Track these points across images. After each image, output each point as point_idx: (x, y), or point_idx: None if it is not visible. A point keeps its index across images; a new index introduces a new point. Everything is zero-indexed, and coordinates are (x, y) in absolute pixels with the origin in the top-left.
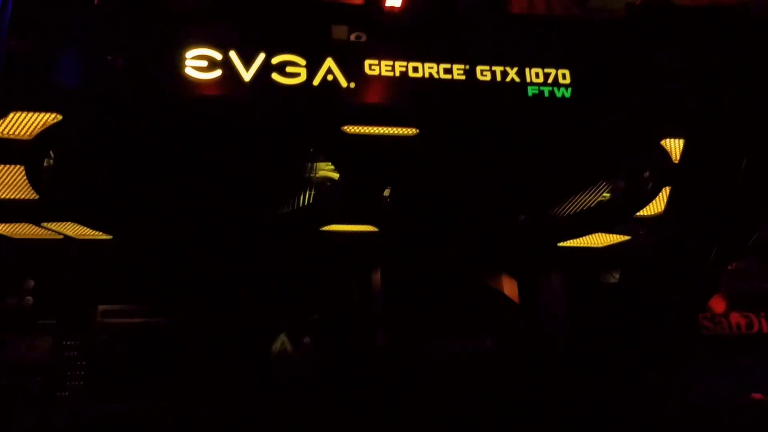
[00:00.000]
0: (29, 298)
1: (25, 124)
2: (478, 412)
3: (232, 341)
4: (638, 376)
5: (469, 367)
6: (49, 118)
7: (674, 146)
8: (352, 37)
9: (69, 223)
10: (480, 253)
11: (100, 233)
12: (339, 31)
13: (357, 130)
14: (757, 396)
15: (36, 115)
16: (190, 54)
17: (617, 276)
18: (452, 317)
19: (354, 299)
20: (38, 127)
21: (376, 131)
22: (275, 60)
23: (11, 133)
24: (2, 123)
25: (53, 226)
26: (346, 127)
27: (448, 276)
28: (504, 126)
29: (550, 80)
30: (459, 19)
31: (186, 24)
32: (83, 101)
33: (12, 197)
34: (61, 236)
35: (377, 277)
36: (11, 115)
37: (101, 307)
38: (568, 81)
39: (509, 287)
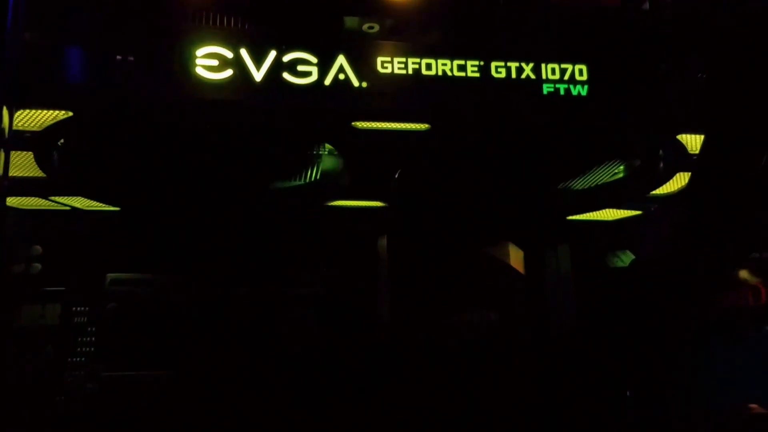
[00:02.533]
0: (37, 264)
1: (36, 118)
2: (481, 387)
3: (238, 310)
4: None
5: (473, 340)
6: (60, 114)
7: (691, 140)
8: (364, 27)
9: (77, 197)
10: (487, 223)
11: (108, 206)
12: (351, 22)
13: (368, 126)
14: (755, 407)
15: (47, 111)
16: (200, 52)
17: (624, 259)
18: (457, 289)
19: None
20: (48, 120)
21: (387, 126)
22: (286, 58)
23: (22, 125)
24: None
25: (61, 199)
26: (356, 123)
27: (454, 246)
28: (518, 125)
29: (566, 77)
30: (475, 10)
31: (197, 20)
32: (94, 99)
33: (20, 175)
34: (68, 208)
35: (383, 247)
36: (23, 111)
37: (110, 276)
38: (585, 78)
39: (515, 258)
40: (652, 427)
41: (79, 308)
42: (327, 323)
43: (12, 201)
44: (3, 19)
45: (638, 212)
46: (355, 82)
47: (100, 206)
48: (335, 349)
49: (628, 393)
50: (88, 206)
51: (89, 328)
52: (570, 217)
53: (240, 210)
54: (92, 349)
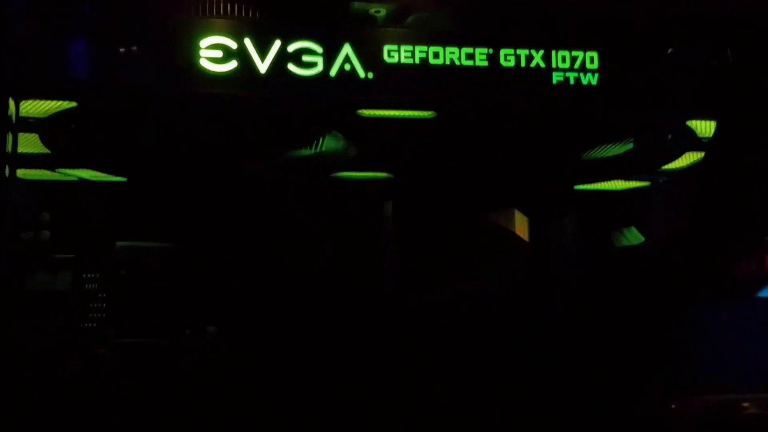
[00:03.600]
0: (46, 232)
1: (41, 107)
2: (484, 353)
3: (245, 277)
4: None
5: (476, 308)
6: (64, 104)
7: (701, 126)
8: (371, 11)
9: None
10: (493, 189)
11: (114, 176)
12: (358, 6)
13: (373, 113)
14: (746, 406)
15: (51, 102)
16: (204, 43)
17: (630, 237)
18: (462, 255)
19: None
20: (53, 108)
21: (393, 114)
22: (291, 48)
23: (27, 112)
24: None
25: (68, 171)
26: (362, 111)
27: (459, 212)
28: (526, 114)
29: (577, 65)
30: None
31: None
32: (97, 92)
33: (26, 152)
34: (75, 179)
35: (388, 213)
36: (27, 102)
37: (119, 244)
38: (595, 66)
39: (520, 225)
40: (652, 397)
41: (89, 275)
42: (331, 290)
43: (19, 173)
44: (6, 13)
45: (646, 183)
46: (361, 73)
47: (107, 177)
48: (339, 317)
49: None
50: (94, 177)
51: (100, 295)
52: (577, 187)
53: (246, 179)
54: (103, 315)
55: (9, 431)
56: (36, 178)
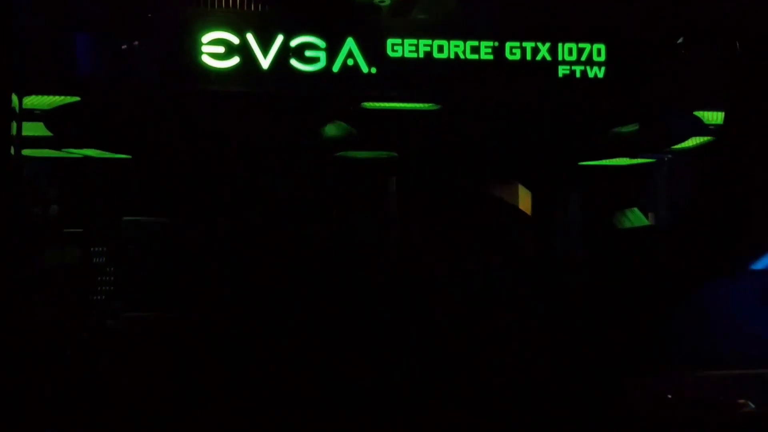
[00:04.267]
0: (54, 206)
1: (44, 101)
2: (487, 327)
3: (251, 253)
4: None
5: (479, 281)
6: (67, 98)
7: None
8: (375, 0)
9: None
10: (496, 163)
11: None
12: None
13: (377, 106)
14: (743, 403)
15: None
16: (206, 38)
17: (632, 218)
18: (465, 230)
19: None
20: (56, 102)
21: (397, 106)
22: (294, 43)
23: (30, 104)
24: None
25: (73, 150)
26: (366, 103)
27: (463, 186)
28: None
29: (584, 57)
30: None
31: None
32: (100, 86)
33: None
34: (81, 156)
35: (392, 187)
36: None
37: (126, 219)
38: (603, 59)
39: (524, 200)
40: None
41: (98, 249)
42: (336, 263)
43: (24, 152)
44: (9, 8)
45: (651, 160)
46: (365, 68)
47: (112, 155)
48: (344, 289)
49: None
50: (100, 154)
51: (108, 268)
52: (582, 163)
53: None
54: (111, 288)
55: (19, 402)
56: (41, 155)
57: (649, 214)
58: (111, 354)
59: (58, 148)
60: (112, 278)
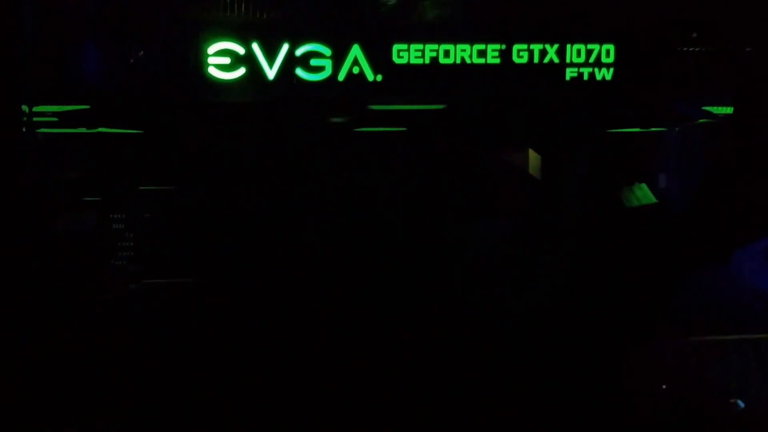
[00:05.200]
0: (72, 173)
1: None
2: (497, 294)
3: (263, 222)
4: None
5: (489, 247)
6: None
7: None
8: None
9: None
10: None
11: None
12: None
13: (383, 107)
14: (733, 403)
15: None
16: (212, 49)
17: (640, 195)
18: (474, 194)
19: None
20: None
21: (403, 107)
22: (299, 51)
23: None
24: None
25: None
26: (372, 105)
27: (472, 149)
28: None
29: (592, 59)
30: None
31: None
32: (108, 96)
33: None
34: (95, 131)
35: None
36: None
37: (141, 188)
38: (611, 59)
39: (534, 164)
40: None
41: (116, 216)
42: (344, 232)
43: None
44: (18, 22)
45: (663, 128)
46: (370, 75)
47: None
48: (353, 259)
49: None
50: (112, 130)
51: (127, 234)
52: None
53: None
54: (132, 253)
55: (42, 363)
56: (55, 131)
57: (661, 177)
58: (132, 317)
59: (71, 127)
60: (132, 244)
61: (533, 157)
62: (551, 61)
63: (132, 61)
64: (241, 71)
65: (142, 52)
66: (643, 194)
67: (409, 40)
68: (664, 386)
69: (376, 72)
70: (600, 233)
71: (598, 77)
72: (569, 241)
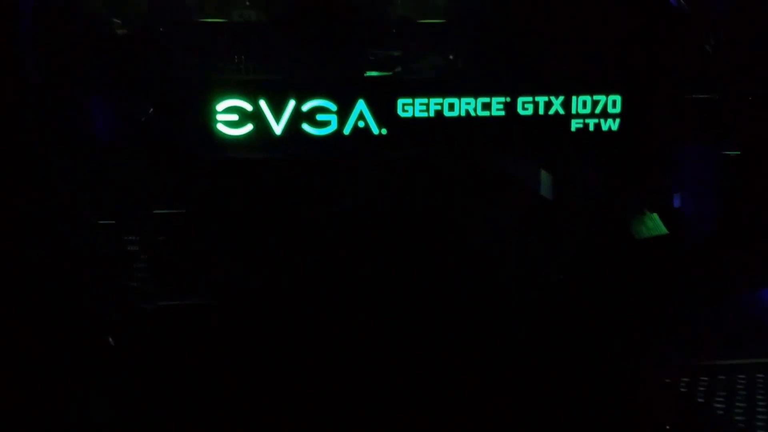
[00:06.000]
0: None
1: None
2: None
3: (279, 238)
4: None
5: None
6: None
7: None
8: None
9: None
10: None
11: None
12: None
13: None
14: None
15: None
16: (220, 107)
17: (651, 225)
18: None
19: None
20: None
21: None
22: (306, 107)
23: None
24: None
25: None
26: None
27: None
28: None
29: (598, 110)
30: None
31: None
32: (111, 152)
33: None
34: None
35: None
36: None
37: (156, 211)
38: (618, 110)
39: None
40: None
41: (130, 238)
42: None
43: None
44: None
45: None
46: (375, 129)
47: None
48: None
49: None
50: None
51: (142, 256)
52: None
53: None
54: (146, 275)
55: (56, 384)
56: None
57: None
58: (148, 337)
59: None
60: (146, 266)
61: (545, 176)
62: (556, 112)
63: (143, 119)
64: (248, 128)
65: (151, 109)
66: (654, 225)
67: (414, 94)
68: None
69: (381, 126)
70: (611, 259)
71: (604, 128)
72: (580, 263)
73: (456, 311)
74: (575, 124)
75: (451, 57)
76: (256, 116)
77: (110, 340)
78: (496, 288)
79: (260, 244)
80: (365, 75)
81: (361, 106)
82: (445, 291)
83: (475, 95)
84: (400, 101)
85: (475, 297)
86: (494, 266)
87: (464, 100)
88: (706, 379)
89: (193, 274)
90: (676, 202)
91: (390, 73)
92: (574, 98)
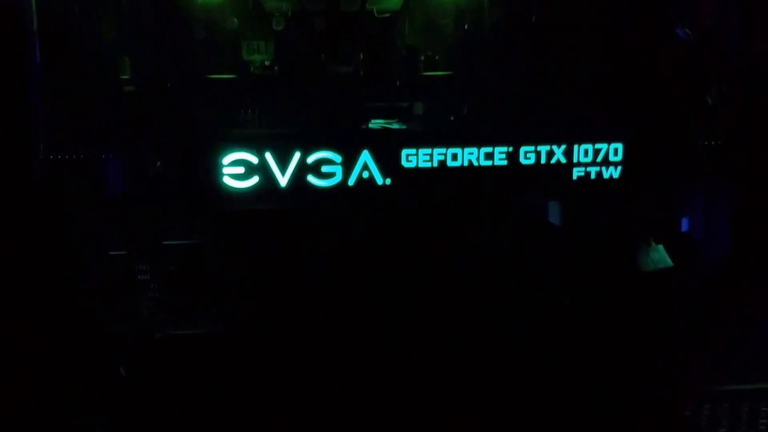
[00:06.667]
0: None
1: None
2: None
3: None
4: None
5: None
6: None
7: None
8: None
9: None
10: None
11: None
12: None
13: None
14: None
15: None
16: (227, 160)
17: (657, 258)
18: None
19: None
20: None
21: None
22: (311, 159)
23: None
24: None
25: None
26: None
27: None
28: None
29: (599, 158)
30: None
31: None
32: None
33: None
34: None
35: None
36: None
37: (166, 242)
38: (619, 158)
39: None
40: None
41: (141, 267)
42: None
43: None
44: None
45: None
46: (379, 180)
47: None
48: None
49: None
50: None
51: (152, 285)
52: None
53: None
54: (157, 304)
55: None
56: None
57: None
58: (159, 366)
59: None
60: (156, 295)
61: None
62: (558, 161)
63: (151, 174)
64: (254, 180)
65: (159, 163)
66: (660, 258)
67: (417, 144)
68: None
69: (385, 176)
70: (619, 285)
71: (606, 176)
72: (589, 289)
73: (469, 342)
74: (577, 173)
75: (454, 108)
76: (262, 168)
77: (121, 370)
78: (509, 313)
79: (268, 274)
80: (369, 126)
81: (365, 157)
82: (460, 320)
83: (478, 145)
84: (404, 152)
85: (486, 324)
86: (507, 291)
87: (467, 150)
88: (708, 406)
89: (203, 304)
90: (684, 229)
91: (395, 124)
92: (576, 147)
